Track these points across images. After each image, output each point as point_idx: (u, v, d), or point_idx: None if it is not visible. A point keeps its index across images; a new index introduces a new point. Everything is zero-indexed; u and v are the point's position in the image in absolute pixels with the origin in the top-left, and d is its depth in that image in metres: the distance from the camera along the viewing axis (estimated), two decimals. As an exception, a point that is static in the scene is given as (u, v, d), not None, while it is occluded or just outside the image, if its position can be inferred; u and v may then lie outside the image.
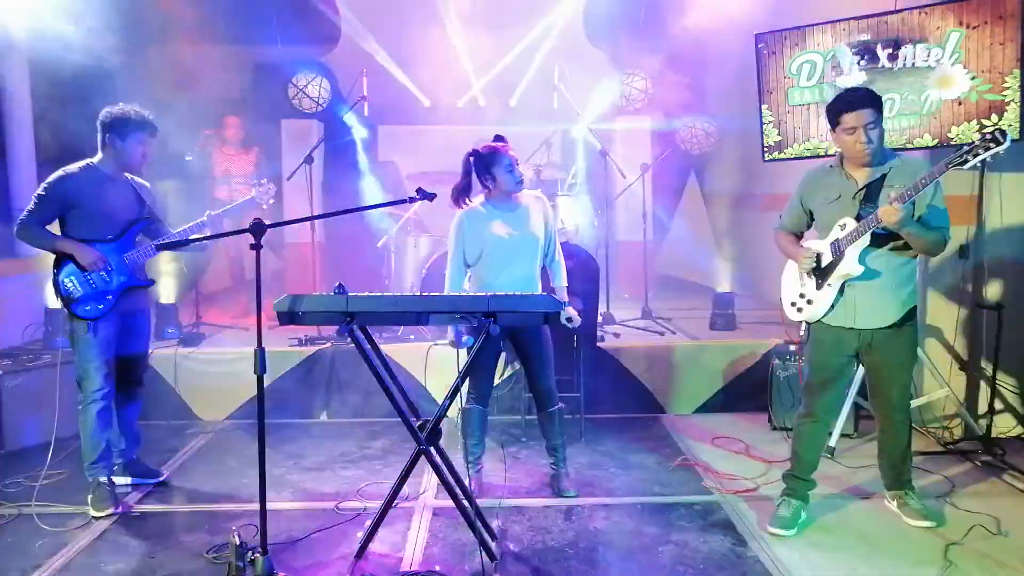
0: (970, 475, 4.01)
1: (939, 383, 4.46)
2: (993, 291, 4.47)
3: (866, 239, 3.19)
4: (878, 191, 3.21)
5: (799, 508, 3.46)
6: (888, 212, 3.02)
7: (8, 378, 4.37)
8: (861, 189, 3.24)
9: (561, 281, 3.86)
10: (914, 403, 4.59)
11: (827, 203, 3.33)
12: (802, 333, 3.42)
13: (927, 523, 3.42)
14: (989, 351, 4.38)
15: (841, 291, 3.29)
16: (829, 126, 3.29)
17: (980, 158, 2.96)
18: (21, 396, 4.43)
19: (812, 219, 3.47)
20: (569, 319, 3.77)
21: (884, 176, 3.22)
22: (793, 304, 3.46)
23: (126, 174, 3.79)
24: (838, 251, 3.25)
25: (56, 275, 3.61)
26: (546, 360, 3.72)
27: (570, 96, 6.49)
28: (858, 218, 3.20)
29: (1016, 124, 4.02)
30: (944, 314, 4.72)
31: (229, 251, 6.61)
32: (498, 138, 3.70)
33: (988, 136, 2.94)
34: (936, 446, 4.39)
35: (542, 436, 3.91)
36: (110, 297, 3.67)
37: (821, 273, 3.33)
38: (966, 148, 2.99)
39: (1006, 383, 4.47)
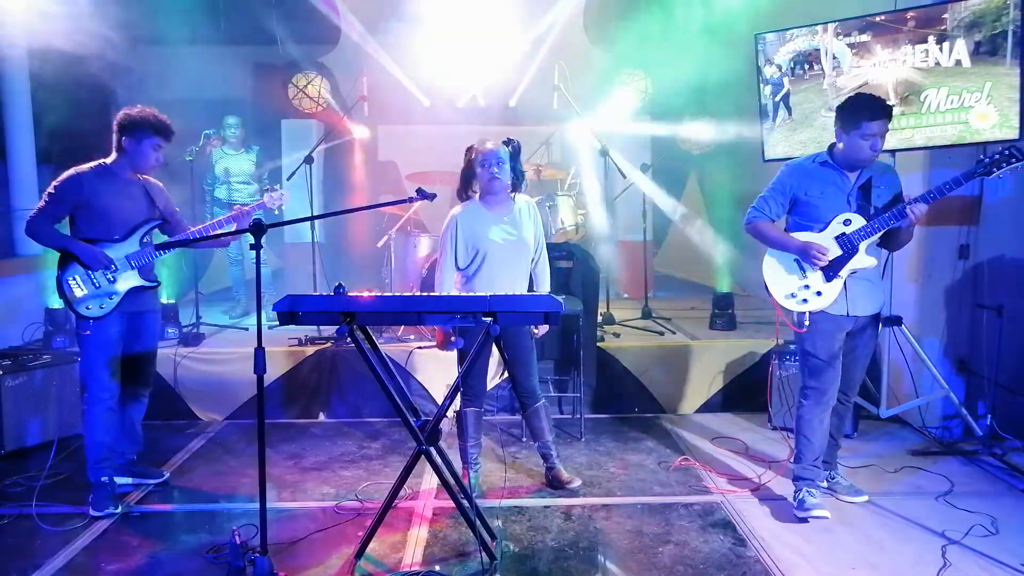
0: (970, 475, 4.01)
1: (939, 383, 4.46)
2: (993, 291, 4.46)
3: (878, 235, 3.38)
4: (869, 191, 3.44)
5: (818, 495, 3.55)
6: (918, 213, 3.25)
7: (8, 378, 4.37)
8: (856, 188, 3.44)
9: (545, 288, 3.89)
10: (914, 403, 4.61)
11: (823, 196, 3.47)
12: (807, 323, 3.47)
13: (862, 498, 3.68)
14: (989, 351, 4.38)
15: (844, 282, 3.45)
16: (841, 125, 3.39)
17: (1004, 170, 3.17)
18: (21, 396, 4.42)
19: (790, 210, 3.61)
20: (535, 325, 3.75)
21: (871, 177, 3.45)
22: (793, 296, 3.50)
23: (139, 175, 3.80)
24: (850, 246, 3.39)
25: (60, 274, 3.62)
26: (530, 360, 3.81)
27: (570, 96, 6.49)
28: (867, 216, 3.37)
29: (1016, 123, 4.01)
30: (944, 314, 4.72)
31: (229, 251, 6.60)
32: (507, 141, 3.77)
33: (1007, 151, 3.16)
34: (936, 446, 4.39)
35: (532, 438, 3.93)
36: (114, 297, 3.67)
37: (829, 266, 3.42)
38: (988, 160, 3.20)
39: (1006, 383, 4.47)
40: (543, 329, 3.82)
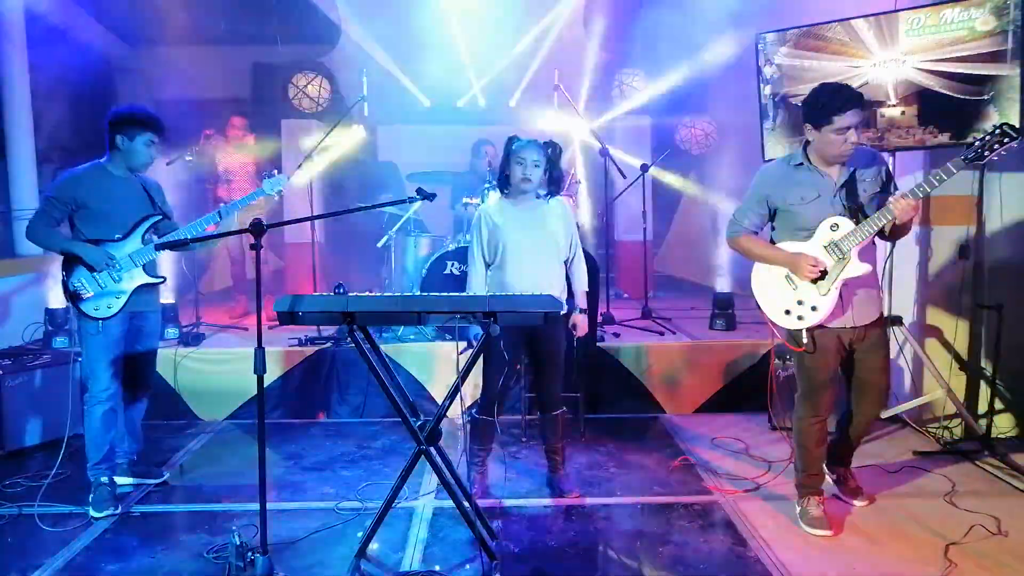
0: (970, 475, 4.01)
1: (939, 383, 4.46)
2: (993, 291, 4.46)
3: (870, 238, 3.17)
4: (854, 188, 3.22)
5: (822, 504, 3.47)
6: (907, 209, 3.00)
7: (8, 378, 4.37)
8: (841, 187, 3.22)
9: (580, 285, 3.80)
10: (914, 403, 4.61)
11: (804, 202, 3.22)
12: (804, 340, 3.29)
13: (865, 502, 3.65)
14: (989, 351, 4.38)
15: (839, 292, 3.25)
16: (810, 121, 3.16)
17: (996, 152, 2.97)
18: (21, 396, 4.42)
19: (771, 218, 3.39)
20: (573, 326, 3.76)
21: (854, 171, 3.23)
22: (789, 312, 3.30)
23: (135, 173, 3.79)
24: (840, 253, 3.17)
25: (65, 276, 3.63)
26: (558, 366, 3.73)
27: (570, 96, 6.49)
28: (854, 218, 3.17)
29: (1016, 123, 4.01)
30: (944, 314, 4.72)
31: (231, 251, 6.60)
32: (548, 143, 3.68)
33: (998, 131, 2.95)
34: (936, 446, 4.39)
35: (541, 438, 3.91)
36: (121, 297, 3.67)
37: (821, 276, 3.21)
38: (979, 144, 2.99)
39: (1006, 383, 4.47)
40: (583, 327, 3.78)
